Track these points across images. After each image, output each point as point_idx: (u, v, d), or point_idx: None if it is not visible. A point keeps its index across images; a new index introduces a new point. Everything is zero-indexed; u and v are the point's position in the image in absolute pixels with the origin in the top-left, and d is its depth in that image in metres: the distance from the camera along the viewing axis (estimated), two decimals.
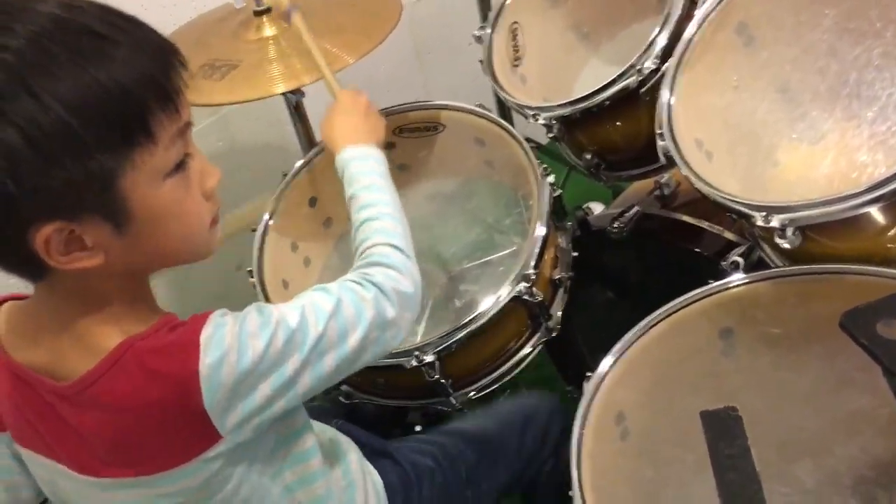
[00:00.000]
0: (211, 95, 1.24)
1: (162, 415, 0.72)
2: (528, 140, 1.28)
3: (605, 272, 1.52)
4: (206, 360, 0.71)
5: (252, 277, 1.28)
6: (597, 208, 1.70)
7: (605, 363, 1.00)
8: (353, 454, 1.00)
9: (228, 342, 0.72)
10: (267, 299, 1.26)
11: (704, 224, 1.31)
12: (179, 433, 0.74)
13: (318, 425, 1.01)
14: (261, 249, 1.31)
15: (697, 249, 1.30)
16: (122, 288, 0.75)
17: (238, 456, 0.78)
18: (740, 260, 1.13)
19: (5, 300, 0.82)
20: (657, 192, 1.42)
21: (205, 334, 0.72)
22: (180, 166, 0.73)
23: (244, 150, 1.96)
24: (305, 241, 1.41)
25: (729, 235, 1.29)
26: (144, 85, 0.68)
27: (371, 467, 1.02)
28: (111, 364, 0.71)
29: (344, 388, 1.27)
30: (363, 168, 0.99)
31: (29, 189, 0.63)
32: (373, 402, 1.27)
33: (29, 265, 0.70)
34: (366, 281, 0.84)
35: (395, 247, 0.90)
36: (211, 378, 0.71)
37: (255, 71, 1.27)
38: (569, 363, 1.63)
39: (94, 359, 0.72)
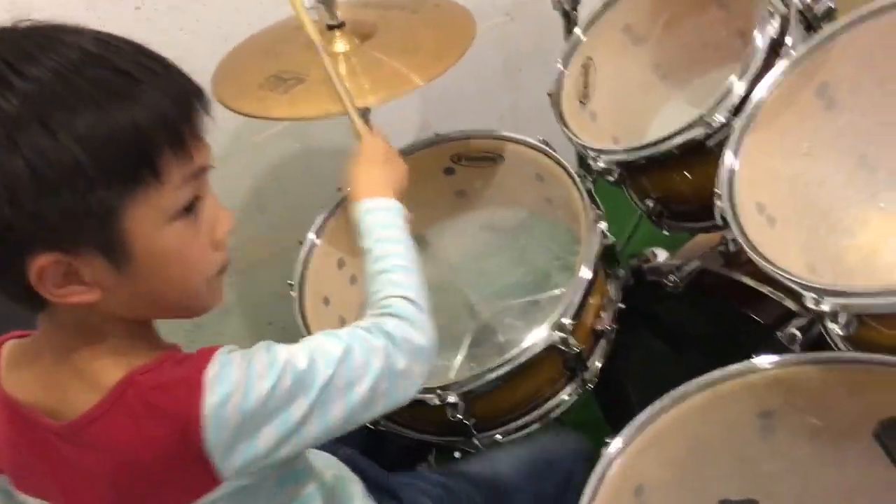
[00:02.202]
0: (272, 108, 1.24)
1: (162, 455, 0.70)
2: None
3: (660, 324, 1.45)
4: (211, 399, 0.69)
5: (293, 291, 1.28)
6: (661, 255, 1.63)
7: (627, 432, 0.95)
8: (357, 494, 0.97)
9: (235, 381, 0.71)
10: (304, 315, 1.26)
11: (766, 289, 1.23)
12: (179, 475, 0.72)
13: (323, 460, 1.00)
14: (305, 263, 1.31)
15: (755, 316, 1.22)
16: (120, 325, 0.74)
17: (239, 500, 0.76)
18: (798, 333, 1.06)
19: (8, 338, 0.81)
20: (722, 248, 1.35)
21: (210, 373, 0.70)
22: (189, 209, 0.72)
23: (319, 155, 1.98)
24: (354, 258, 1.40)
25: (790, 304, 1.21)
26: (160, 128, 0.68)
27: None
28: (113, 402, 0.70)
29: None
30: (377, 220, 0.98)
31: (25, 215, 0.63)
32: (397, 431, 1.25)
33: (28, 295, 0.69)
34: (377, 329, 0.83)
35: (408, 299, 0.87)
36: (214, 418, 0.69)
37: (320, 87, 1.26)
38: (616, 410, 1.57)
39: (95, 395, 0.71)
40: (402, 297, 0.87)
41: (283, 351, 0.76)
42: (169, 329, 0.79)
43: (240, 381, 0.71)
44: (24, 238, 0.65)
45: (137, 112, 0.66)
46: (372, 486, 1.02)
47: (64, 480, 0.75)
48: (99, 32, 0.69)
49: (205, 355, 0.72)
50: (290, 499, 0.84)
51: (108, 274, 0.69)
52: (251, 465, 0.73)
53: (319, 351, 0.77)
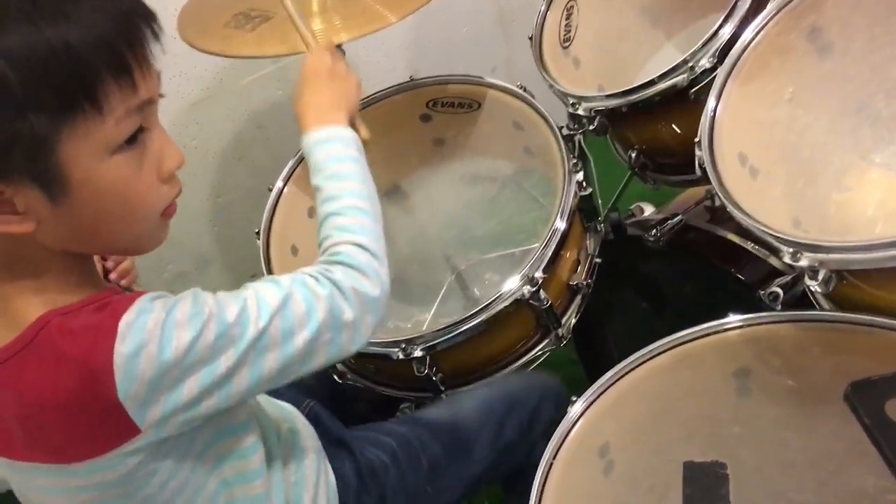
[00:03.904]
0: (238, 47, 1.19)
1: (73, 403, 0.66)
2: None
3: (643, 281, 1.41)
4: (122, 348, 0.65)
5: (258, 239, 1.24)
6: (648, 209, 1.57)
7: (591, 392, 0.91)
8: (310, 449, 0.93)
9: (149, 330, 0.66)
10: (269, 264, 1.21)
11: (749, 246, 1.18)
12: (93, 424, 0.68)
13: (281, 412, 0.96)
14: (272, 211, 1.26)
15: (738, 274, 1.17)
16: (54, 260, 0.70)
17: (164, 451, 0.73)
18: (780, 291, 1.01)
19: None
20: (707, 203, 1.30)
21: (125, 320, 0.66)
22: (133, 141, 0.68)
23: None
24: None
25: (774, 262, 1.16)
26: (98, 50, 0.63)
27: (328, 465, 0.96)
28: (26, 343, 0.66)
29: (339, 366, 1.22)
30: (328, 153, 0.90)
31: None
32: (366, 385, 1.21)
33: None
34: (323, 277, 0.77)
35: (360, 246, 0.81)
36: (126, 368, 0.65)
37: (287, 25, 1.20)
38: (600, 370, 1.53)
39: (12, 332, 0.67)
40: (353, 243, 0.81)
41: (210, 300, 0.71)
42: (148, 280, 0.74)
43: (154, 330, 0.66)
44: None
45: (73, 32, 0.61)
46: (329, 439, 0.98)
47: None
48: None
49: (126, 301, 0.68)
50: (227, 451, 0.80)
51: (43, 205, 0.65)
52: (173, 417, 0.69)
53: (254, 300, 0.72)
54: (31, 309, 0.68)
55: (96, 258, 0.94)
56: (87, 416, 0.67)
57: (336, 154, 0.90)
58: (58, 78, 0.62)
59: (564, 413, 1.05)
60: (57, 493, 0.73)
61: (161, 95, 0.71)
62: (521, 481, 1.10)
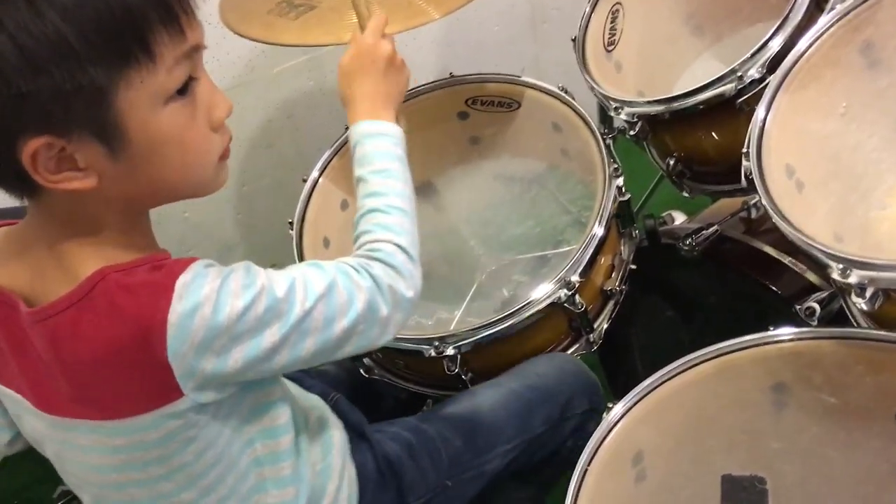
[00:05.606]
0: (281, 34, 1.18)
1: (123, 358, 0.68)
2: None
3: (672, 289, 1.40)
4: (178, 307, 0.66)
5: (291, 230, 1.23)
6: (679, 218, 1.56)
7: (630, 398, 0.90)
8: (337, 439, 0.94)
9: (205, 293, 0.67)
10: (301, 255, 1.21)
11: (786, 259, 1.17)
12: (139, 381, 0.70)
13: (310, 401, 0.96)
14: (306, 202, 1.25)
15: (773, 287, 1.16)
16: (115, 216, 0.72)
17: (204, 418, 0.74)
18: (817, 307, 1.01)
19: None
20: (743, 214, 1.29)
21: (182, 280, 0.67)
22: (184, 91, 0.70)
23: (333, 94, 1.91)
24: None
25: (811, 277, 1.15)
26: (149, 4, 0.65)
27: (351, 456, 0.96)
28: (82, 295, 0.68)
29: (366, 360, 1.21)
30: (377, 148, 0.91)
31: (14, 95, 0.61)
32: (392, 382, 1.20)
33: (20, 181, 0.67)
34: (364, 271, 0.79)
35: (400, 247, 0.83)
36: (179, 327, 0.66)
37: (332, 15, 1.20)
38: (620, 377, 1.53)
39: (69, 284, 0.69)
40: (393, 243, 0.83)
41: (262, 274, 0.73)
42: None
43: (210, 294, 0.68)
44: (15, 120, 0.63)
45: None
46: (351, 431, 0.98)
47: (33, 370, 0.73)
48: None
49: (182, 264, 0.69)
50: (261, 427, 0.81)
51: (103, 159, 0.67)
52: (214, 384, 0.71)
53: (301, 281, 0.74)
54: (87, 263, 0.69)
55: None
56: (135, 372, 0.69)
57: (385, 150, 0.91)
58: (112, 30, 0.63)
59: (598, 408, 1.05)
60: (97, 453, 0.75)
61: (205, 46, 0.73)
62: (543, 473, 1.10)
